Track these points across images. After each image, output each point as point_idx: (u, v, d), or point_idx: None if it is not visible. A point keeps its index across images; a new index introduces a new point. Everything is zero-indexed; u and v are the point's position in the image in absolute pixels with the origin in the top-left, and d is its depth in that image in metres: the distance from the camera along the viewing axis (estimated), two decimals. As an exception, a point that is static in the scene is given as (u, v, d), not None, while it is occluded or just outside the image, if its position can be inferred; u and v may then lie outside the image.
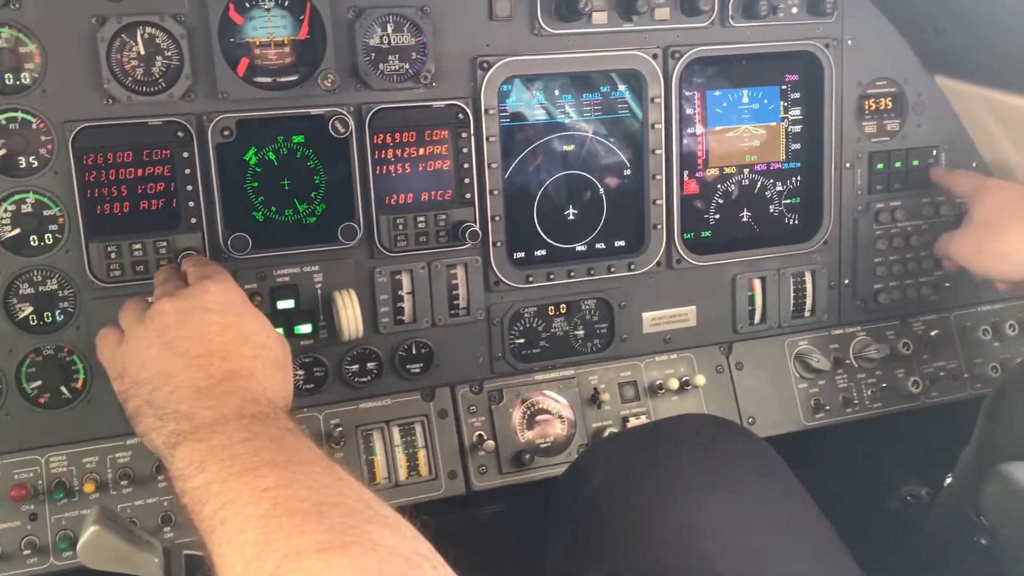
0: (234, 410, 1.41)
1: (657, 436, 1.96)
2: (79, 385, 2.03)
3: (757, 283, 2.48)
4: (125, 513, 2.03)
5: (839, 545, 1.75)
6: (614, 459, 1.91)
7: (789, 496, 1.82)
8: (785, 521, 1.75)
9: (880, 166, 2.52)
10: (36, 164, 1.93)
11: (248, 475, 1.24)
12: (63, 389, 2.01)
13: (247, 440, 1.33)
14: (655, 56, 2.28)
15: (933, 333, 2.62)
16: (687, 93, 2.37)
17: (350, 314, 2.05)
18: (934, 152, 2.55)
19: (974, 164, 2.60)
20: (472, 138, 2.18)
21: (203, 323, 1.57)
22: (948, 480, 2.08)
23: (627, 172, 2.37)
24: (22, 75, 1.90)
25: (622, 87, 2.34)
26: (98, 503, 1.98)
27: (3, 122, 1.90)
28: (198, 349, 1.52)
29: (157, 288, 1.78)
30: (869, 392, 2.56)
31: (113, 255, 1.97)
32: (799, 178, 2.51)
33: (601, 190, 2.36)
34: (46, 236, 1.96)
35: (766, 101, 2.45)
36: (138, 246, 1.98)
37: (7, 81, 1.89)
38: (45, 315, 1.98)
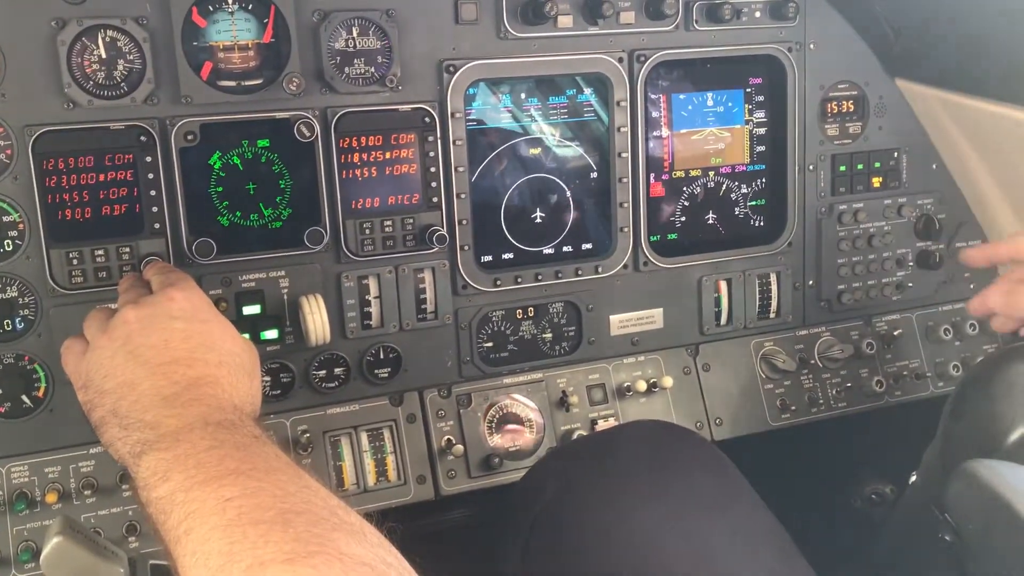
0: (199, 418, 1.40)
1: (608, 445, 1.97)
2: (40, 394, 1.99)
3: (723, 285, 2.50)
4: (89, 523, 2.00)
5: (791, 547, 1.78)
6: (566, 470, 1.91)
7: (740, 499, 1.85)
8: (737, 524, 1.77)
9: (843, 168, 2.55)
10: (-5, 169, 1.90)
11: (213, 484, 1.22)
12: (24, 398, 1.98)
13: (212, 448, 1.31)
14: (620, 60, 2.30)
15: (896, 333, 2.65)
16: (652, 96, 2.38)
17: (317, 319, 2.04)
18: (895, 154, 2.59)
19: (934, 166, 2.64)
20: (439, 141, 2.17)
21: (167, 330, 1.55)
22: (913, 478, 2.10)
23: (593, 175, 2.38)
24: (-20, 79, 1.87)
25: (588, 90, 2.34)
26: (61, 513, 1.95)
27: (-39, 127, 1.87)
28: (163, 357, 1.50)
29: (121, 297, 1.76)
30: (834, 392, 2.59)
31: (75, 261, 1.94)
32: (763, 180, 2.53)
33: (568, 193, 2.36)
34: (5, 242, 1.93)
35: (730, 104, 2.47)
36: (100, 252, 1.95)
37: (-36, 85, 1.86)
38: (5, 323, 1.95)
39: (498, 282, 2.28)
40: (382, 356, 2.22)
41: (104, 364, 1.53)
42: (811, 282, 2.58)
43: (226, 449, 1.31)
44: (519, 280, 2.31)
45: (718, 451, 1.97)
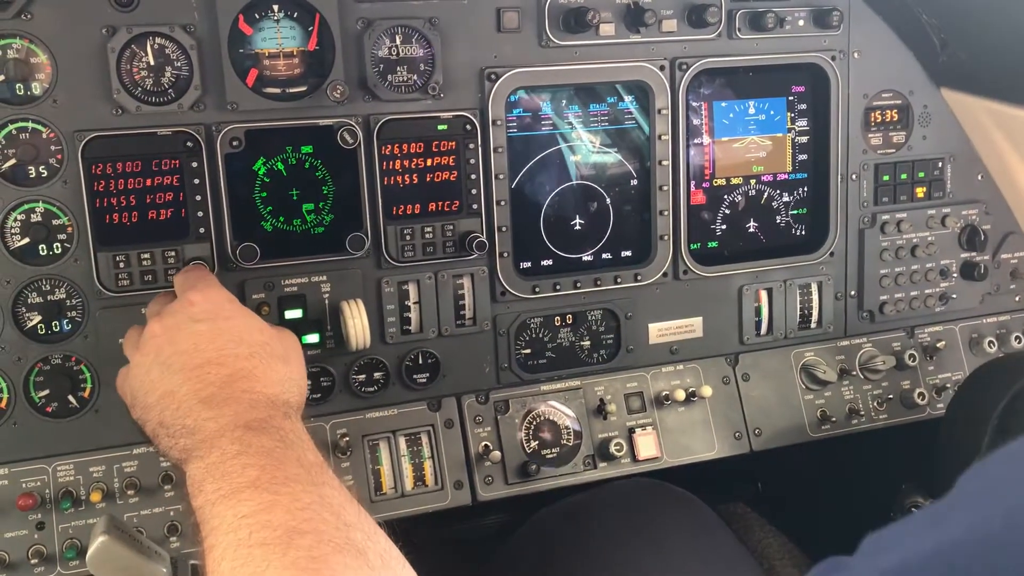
0: (232, 419, 1.43)
1: (585, 510, 1.97)
2: (86, 394, 2.03)
3: (764, 294, 2.48)
4: (132, 522, 2.02)
5: None
6: (543, 541, 1.91)
7: (719, 550, 1.86)
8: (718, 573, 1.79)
9: (886, 178, 2.52)
10: (46, 174, 1.94)
11: (232, 499, 1.28)
12: (70, 398, 2.02)
13: (238, 455, 1.35)
14: (662, 68, 2.29)
15: (939, 344, 2.62)
16: (694, 104, 2.38)
17: (358, 324, 2.05)
18: (940, 164, 2.56)
19: (979, 176, 2.60)
20: (479, 149, 2.18)
21: (194, 335, 1.57)
22: (955, 492, 2.07)
23: (634, 182, 2.37)
24: (33, 85, 1.91)
25: (628, 98, 2.34)
26: (105, 512, 1.98)
27: (13, 132, 1.91)
28: (194, 360, 1.53)
29: (148, 313, 1.79)
30: (875, 403, 2.56)
31: (121, 264, 1.97)
32: (805, 189, 2.51)
33: (608, 200, 2.36)
34: (55, 245, 1.96)
35: (772, 112, 2.46)
36: (146, 255, 1.99)
37: (18, 91, 1.90)
38: (53, 324, 1.99)
39: (537, 289, 2.29)
40: (421, 361, 2.23)
41: (143, 380, 1.57)
42: (853, 292, 2.56)
43: (250, 456, 1.35)
44: (558, 287, 2.31)
45: (698, 502, 1.99)
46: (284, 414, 1.49)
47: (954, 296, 2.62)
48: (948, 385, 2.61)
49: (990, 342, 2.63)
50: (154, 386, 1.54)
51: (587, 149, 2.33)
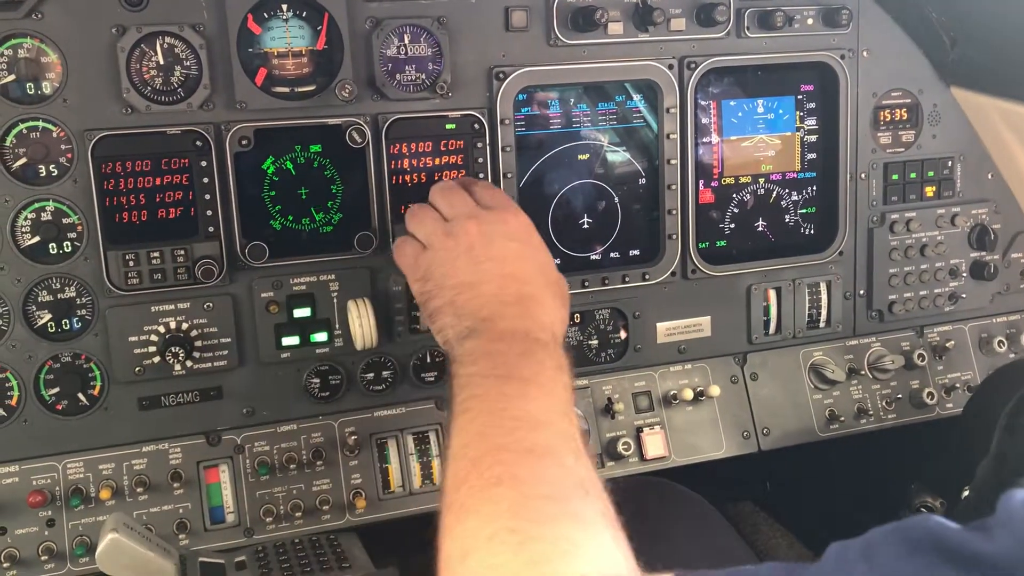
0: (523, 328, 1.66)
1: None
2: (96, 392, 2.04)
3: (772, 293, 2.48)
4: (140, 520, 2.03)
5: None
6: None
7: (723, 549, 1.87)
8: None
9: (895, 177, 2.52)
10: (56, 172, 1.95)
11: (502, 381, 1.51)
12: (80, 396, 2.02)
13: (521, 355, 1.58)
14: (671, 66, 2.29)
15: (948, 344, 2.61)
16: (702, 103, 2.37)
17: (365, 323, 2.05)
18: (949, 163, 2.55)
19: (989, 175, 2.59)
20: (487, 148, 2.18)
21: (505, 248, 1.78)
22: (966, 493, 2.07)
23: (642, 181, 2.37)
24: (43, 84, 1.92)
25: (637, 97, 2.34)
26: (114, 510, 1.99)
27: (24, 131, 1.92)
28: (501, 269, 1.74)
29: (447, 201, 1.89)
30: (884, 403, 2.56)
31: (131, 263, 1.98)
32: (814, 188, 2.51)
33: (616, 199, 2.36)
34: (65, 244, 1.97)
35: (781, 111, 2.45)
36: (156, 254, 1.99)
37: (28, 91, 1.91)
38: (63, 322, 2.00)
39: (545, 288, 2.28)
40: (429, 360, 2.24)
41: (446, 264, 1.77)
42: (862, 291, 2.55)
43: (530, 360, 1.57)
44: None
45: (702, 500, 1.99)
46: (557, 343, 1.69)
47: (964, 296, 2.62)
48: (958, 385, 2.61)
49: (1000, 342, 2.63)
50: (456, 272, 1.75)
51: (595, 148, 2.33)
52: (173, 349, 2.00)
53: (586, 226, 2.36)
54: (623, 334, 2.39)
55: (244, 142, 2.02)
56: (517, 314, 1.69)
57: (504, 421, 1.43)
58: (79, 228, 1.97)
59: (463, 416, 1.47)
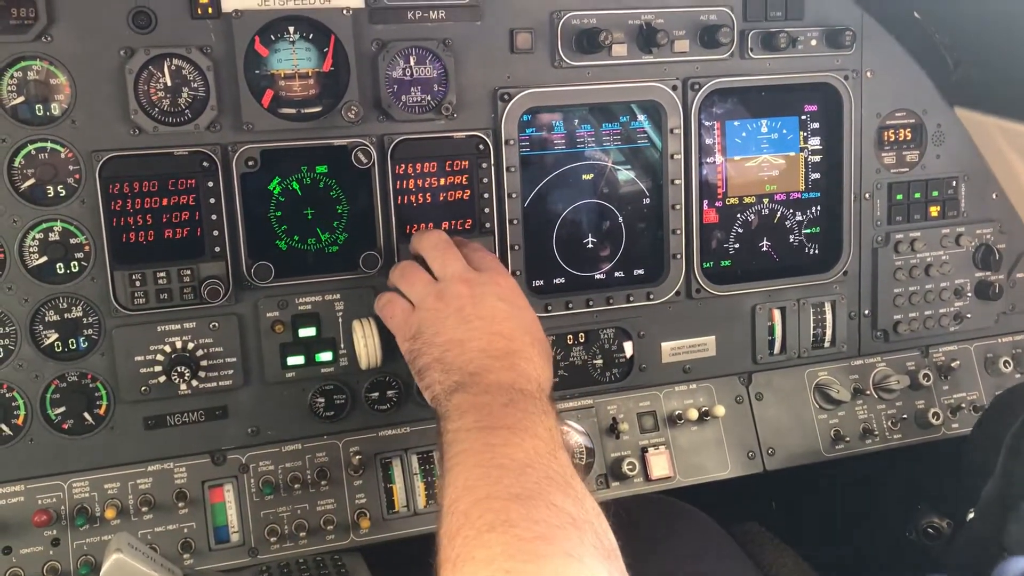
0: (509, 380, 1.71)
1: None
2: (102, 411, 2.04)
3: (777, 313, 2.48)
4: (145, 539, 2.04)
5: None
6: None
7: (728, 568, 1.87)
8: None
9: (899, 197, 2.52)
10: (64, 193, 1.96)
11: (487, 433, 1.55)
12: (86, 415, 2.03)
13: (505, 405, 1.62)
14: (674, 87, 2.30)
15: (954, 364, 2.61)
16: (706, 123, 2.38)
17: (370, 343, 2.06)
18: (953, 183, 2.55)
19: (994, 195, 2.60)
20: (492, 168, 2.19)
21: (494, 308, 1.84)
22: (971, 515, 2.06)
23: (646, 201, 2.38)
24: (52, 106, 1.93)
25: (641, 117, 2.35)
26: (119, 529, 2.00)
27: (33, 152, 1.93)
28: (490, 327, 1.81)
29: (441, 259, 1.94)
30: (889, 423, 2.55)
31: (138, 283, 1.99)
32: (818, 208, 2.51)
33: (620, 219, 2.37)
34: (72, 264, 1.98)
35: (785, 131, 2.46)
36: (162, 274, 2.00)
37: (37, 112, 1.93)
38: (70, 342, 2.01)
39: (549, 307, 2.29)
40: (434, 380, 2.24)
41: (436, 323, 1.83)
42: (867, 311, 2.55)
43: (514, 409, 1.62)
44: (570, 305, 2.31)
45: (706, 518, 1.99)
46: (543, 394, 1.74)
47: (969, 315, 2.61)
48: (963, 405, 2.60)
49: (1005, 362, 2.62)
50: (446, 331, 1.81)
51: (600, 168, 2.34)
52: (179, 368, 2.01)
53: (591, 246, 2.36)
54: (628, 354, 2.39)
55: (251, 163, 2.03)
56: (504, 367, 1.75)
57: (490, 471, 1.45)
58: (86, 248, 1.98)
59: (452, 472, 1.50)
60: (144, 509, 2.05)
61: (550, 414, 1.66)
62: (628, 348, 2.39)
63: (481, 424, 1.58)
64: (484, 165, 2.19)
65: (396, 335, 1.94)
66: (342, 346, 2.15)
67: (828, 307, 2.51)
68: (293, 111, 2.04)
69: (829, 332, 2.52)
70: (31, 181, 1.94)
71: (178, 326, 2.05)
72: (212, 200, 2.02)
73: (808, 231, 2.52)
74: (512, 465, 1.47)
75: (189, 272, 2.02)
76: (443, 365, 1.78)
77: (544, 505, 1.37)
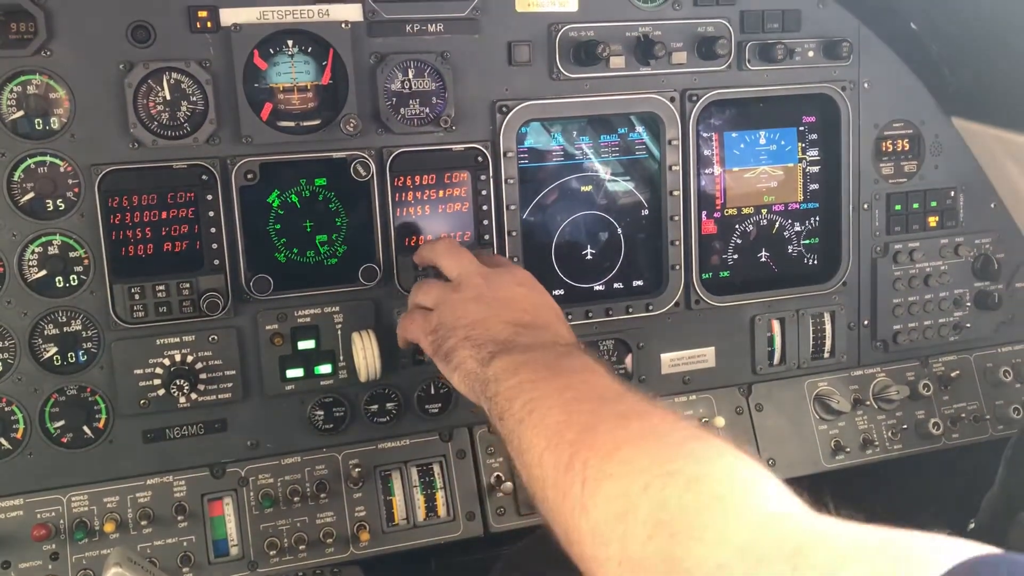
0: (548, 340, 1.72)
1: None
2: (101, 425, 2.04)
3: (776, 324, 2.48)
4: (145, 553, 2.03)
5: None
6: (543, 558, 1.92)
7: None
8: None
9: (898, 207, 2.52)
10: (63, 207, 1.97)
11: (555, 378, 1.52)
12: (85, 429, 2.03)
13: (560, 356, 1.61)
14: (672, 99, 2.30)
15: (953, 374, 2.61)
16: (704, 134, 2.39)
17: (369, 355, 2.06)
18: (952, 193, 2.56)
19: (992, 205, 2.60)
20: (491, 180, 2.20)
21: (513, 291, 1.85)
22: (971, 526, 2.05)
23: (645, 212, 2.38)
24: (51, 120, 1.94)
25: (639, 128, 2.36)
26: (118, 543, 1.99)
27: (32, 166, 1.94)
28: (510, 307, 1.81)
29: (455, 259, 1.94)
30: (889, 433, 2.55)
31: (137, 296, 1.99)
32: (817, 219, 2.51)
33: (619, 230, 2.37)
34: (71, 277, 1.99)
35: (783, 142, 2.47)
36: (161, 287, 2.00)
37: (37, 126, 1.93)
38: (69, 355, 2.01)
39: (549, 319, 2.29)
40: (433, 391, 2.24)
41: (456, 309, 1.82)
42: (866, 322, 2.55)
43: (569, 359, 1.60)
44: (569, 317, 2.29)
45: None
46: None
47: (968, 325, 2.61)
48: (963, 415, 2.60)
49: (1005, 371, 2.62)
50: (468, 314, 1.79)
51: (598, 179, 2.35)
52: (178, 382, 2.01)
53: (589, 257, 2.36)
54: (627, 365, 2.39)
55: (250, 176, 2.03)
56: (535, 333, 1.73)
57: (582, 404, 1.40)
58: (85, 262, 1.99)
59: (532, 416, 1.44)
60: (143, 523, 2.04)
61: (600, 363, 1.61)
62: (628, 361, 2.38)
63: (542, 374, 1.54)
64: (483, 177, 2.19)
65: (418, 339, 1.90)
66: (341, 358, 2.15)
67: (827, 317, 2.51)
68: (292, 124, 2.05)
69: (828, 342, 2.52)
70: (30, 195, 1.94)
71: (177, 339, 2.05)
72: (211, 213, 2.02)
73: (807, 242, 2.52)
74: (602, 396, 1.43)
75: (188, 285, 2.02)
76: (471, 341, 1.74)
77: (661, 419, 1.31)
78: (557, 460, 1.31)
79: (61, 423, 2.01)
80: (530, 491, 1.41)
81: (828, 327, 2.51)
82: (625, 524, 1.14)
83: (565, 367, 1.56)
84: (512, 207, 2.22)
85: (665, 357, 2.41)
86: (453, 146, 2.17)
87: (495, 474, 2.26)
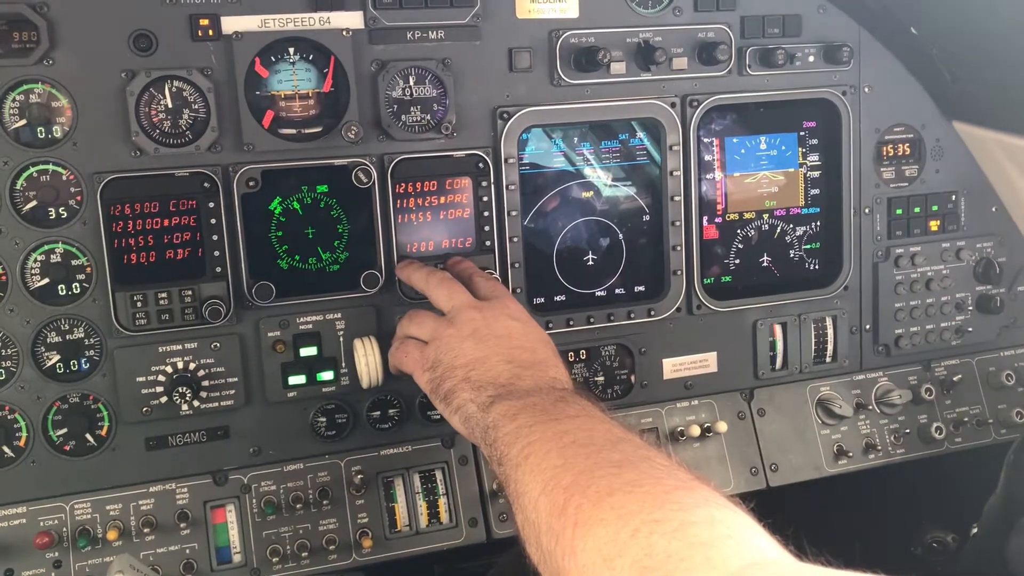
0: (547, 384, 1.72)
1: None
2: (104, 433, 2.04)
3: (778, 328, 2.48)
4: (148, 561, 2.03)
5: None
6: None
7: None
8: None
9: (899, 211, 2.52)
10: (65, 215, 1.97)
11: (553, 424, 1.52)
12: (88, 436, 2.03)
13: (558, 401, 1.62)
14: (673, 105, 2.31)
15: (956, 378, 2.60)
16: (705, 140, 2.39)
17: (370, 361, 2.06)
18: (953, 197, 2.56)
19: (994, 209, 2.60)
20: (492, 187, 2.20)
21: (509, 326, 1.86)
22: (974, 530, 2.05)
23: (646, 218, 2.38)
24: (54, 128, 1.94)
25: (641, 134, 2.36)
26: (121, 550, 1.99)
27: (35, 174, 1.94)
28: (508, 344, 1.81)
29: (447, 293, 1.95)
30: (892, 438, 2.55)
31: (139, 304, 2.00)
32: (818, 223, 2.51)
33: (620, 236, 2.37)
34: (74, 285, 1.99)
35: (784, 147, 2.47)
36: (163, 295, 2.01)
37: (39, 135, 1.93)
38: (72, 363, 2.01)
39: (550, 324, 2.29)
40: (435, 398, 2.24)
41: (454, 347, 1.82)
42: (868, 326, 2.55)
43: (566, 404, 1.61)
44: (571, 323, 2.31)
45: None
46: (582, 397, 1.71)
47: (970, 329, 2.61)
48: (966, 419, 2.60)
49: (1008, 375, 2.61)
50: (464, 353, 1.80)
51: (600, 185, 2.35)
52: (180, 389, 2.01)
53: (591, 263, 2.37)
54: (629, 370, 2.39)
55: (251, 183, 2.04)
56: (534, 375, 1.74)
57: (579, 449, 1.42)
58: (88, 269, 1.99)
59: (529, 461, 1.46)
60: (146, 530, 2.04)
61: (599, 408, 1.63)
62: (629, 367, 2.39)
63: (542, 419, 1.55)
64: (484, 183, 2.19)
65: (413, 373, 1.92)
66: (343, 365, 2.15)
67: (829, 322, 2.51)
68: (293, 131, 2.06)
69: (831, 347, 2.52)
70: (33, 203, 1.95)
71: (179, 346, 2.05)
72: (213, 220, 2.03)
73: (808, 246, 2.52)
74: (599, 442, 1.44)
75: (190, 292, 2.02)
76: (471, 383, 1.76)
77: (655, 466, 1.33)
78: (552, 504, 1.34)
79: (64, 431, 2.01)
80: (523, 537, 1.43)
81: (830, 331, 2.51)
82: (612, 570, 1.17)
83: (564, 414, 1.57)
84: (513, 213, 2.23)
85: (667, 362, 2.41)
86: (454, 153, 2.17)
87: (497, 480, 2.26)
